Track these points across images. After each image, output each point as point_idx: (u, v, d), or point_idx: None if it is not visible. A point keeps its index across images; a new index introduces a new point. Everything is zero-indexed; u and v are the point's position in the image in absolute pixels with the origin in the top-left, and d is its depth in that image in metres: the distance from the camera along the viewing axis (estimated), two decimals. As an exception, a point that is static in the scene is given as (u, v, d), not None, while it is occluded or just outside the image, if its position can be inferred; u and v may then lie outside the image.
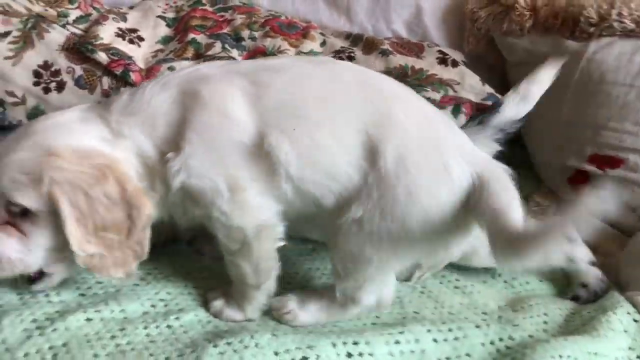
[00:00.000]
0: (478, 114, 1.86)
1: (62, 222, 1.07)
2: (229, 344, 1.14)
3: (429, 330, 1.24)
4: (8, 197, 1.08)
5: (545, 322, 1.38)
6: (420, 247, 1.17)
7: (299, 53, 2.07)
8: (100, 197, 1.07)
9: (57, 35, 2.06)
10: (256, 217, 1.14)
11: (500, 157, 2.08)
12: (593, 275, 1.59)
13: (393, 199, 1.10)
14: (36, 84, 2.03)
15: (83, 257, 1.10)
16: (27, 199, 1.08)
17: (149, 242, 1.15)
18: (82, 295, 1.28)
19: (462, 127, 1.69)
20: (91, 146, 1.11)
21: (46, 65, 2.05)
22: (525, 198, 1.86)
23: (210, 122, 1.11)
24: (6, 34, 2.01)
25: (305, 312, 1.26)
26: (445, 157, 1.14)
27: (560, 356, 1.20)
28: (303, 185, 1.13)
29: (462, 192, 1.13)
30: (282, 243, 1.19)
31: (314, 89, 1.15)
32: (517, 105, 1.71)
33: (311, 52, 2.08)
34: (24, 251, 1.12)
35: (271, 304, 1.26)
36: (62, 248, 1.12)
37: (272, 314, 1.27)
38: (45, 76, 2.04)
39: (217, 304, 1.26)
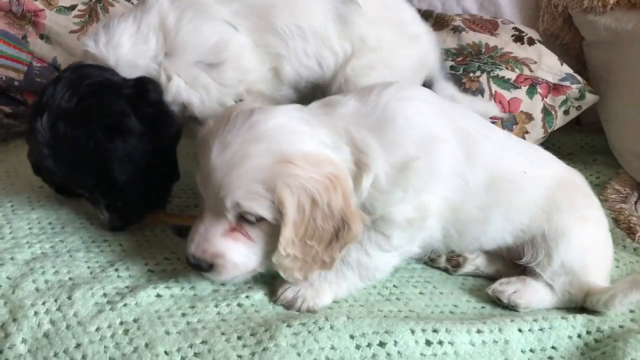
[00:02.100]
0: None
1: (283, 224, 1.07)
2: (303, 324, 1.09)
3: (512, 320, 1.17)
4: (245, 208, 1.08)
5: (631, 311, 1.28)
6: None
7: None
8: (324, 206, 1.07)
9: (122, 9, 2.04)
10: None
11: (579, 144, 2.03)
12: None
13: None
14: (100, 58, 2.03)
15: (279, 256, 1.10)
16: (264, 210, 1.07)
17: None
18: (151, 271, 1.25)
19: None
20: (319, 152, 1.10)
21: (110, 40, 2.04)
22: (604, 185, 1.78)
23: None
24: (72, 7, 2.01)
25: (533, 292, 1.28)
26: None
27: (658, 350, 1.12)
28: None
29: None
30: None
31: None
32: None
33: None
34: (248, 255, 1.13)
35: (494, 288, 1.28)
36: (273, 249, 1.12)
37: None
38: (110, 50, 2.03)
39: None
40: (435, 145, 1.19)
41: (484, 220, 1.29)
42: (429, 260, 1.37)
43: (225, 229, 1.11)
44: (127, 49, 1.32)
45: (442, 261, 1.37)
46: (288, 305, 1.18)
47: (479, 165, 1.24)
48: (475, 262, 1.37)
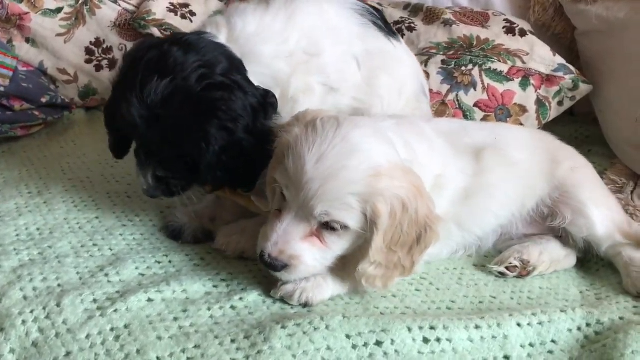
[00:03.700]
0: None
1: (375, 232, 1.11)
2: (298, 325, 1.07)
3: (511, 315, 1.15)
4: (334, 218, 1.11)
5: (635, 307, 1.26)
6: None
7: (356, 25, 1.98)
8: (412, 212, 1.12)
9: (108, 11, 2.02)
10: None
11: (574, 134, 2.01)
12: None
13: None
14: (88, 61, 2.01)
15: (366, 264, 1.14)
16: (352, 220, 1.12)
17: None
18: (142, 275, 1.23)
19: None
20: (403, 162, 1.16)
21: (98, 42, 2.02)
22: (599, 176, 1.76)
23: None
24: (58, 10, 1.98)
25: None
26: None
27: (659, 341, 1.10)
28: None
29: None
30: None
31: None
32: None
33: (369, 24, 1.98)
34: (320, 260, 1.16)
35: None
36: (341, 255, 1.18)
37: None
38: (97, 53, 2.01)
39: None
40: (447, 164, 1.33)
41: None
42: (499, 274, 1.35)
43: (305, 233, 1.14)
44: (269, 51, 1.34)
45: (514, 274, 1.36)
46: (287, 297, 1.17)
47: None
48: (543, 266, 1.38)
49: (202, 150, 1.22)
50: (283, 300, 1.18)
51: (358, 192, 1.09)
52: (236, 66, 1.28)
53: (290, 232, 1.13)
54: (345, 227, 1.12)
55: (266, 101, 1.29)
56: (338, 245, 1.15)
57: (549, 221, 1.41)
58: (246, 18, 1.35)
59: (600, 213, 1.39)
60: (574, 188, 1.40)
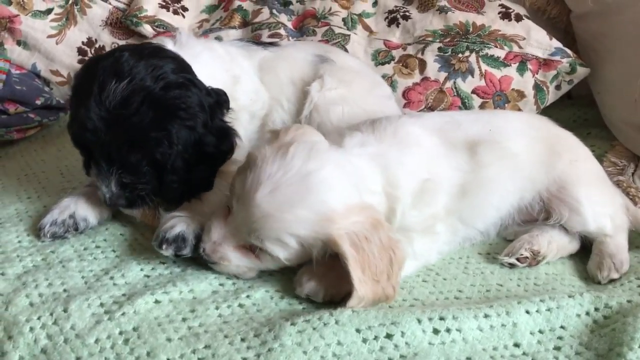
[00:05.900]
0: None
1: (346, 264, 1.11)
2: (307, 321, 1.07)
3: (519, 302, 1.14)
4: (267, 249, 1.14)
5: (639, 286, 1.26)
6: None
7: (350, 15, 1.96)
8: (377, 241, 1.13)
9: (99, 10, 2.00)
10: None
11: (572, 117, 2.01)
12: None
13: None
14: (81, 62, 1.98)
15: (353, 302, 1.12)
16: (284, 254, 1.14)
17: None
18: (147, 276, 1.22)
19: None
20: (361, 200, 1.17)
21: (90, 42, 2.00)
22: (600, 159, 1.76)
23: None
24: (48, 11, 1.96)
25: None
26: None
27: (669, 324, 1.10)
28: None
29: None
30: None
31: None
32: None
33: (363, 13, 1.97)
34: (251, 267, 1.21)
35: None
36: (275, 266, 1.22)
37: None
38: (90, 53, 1.99)
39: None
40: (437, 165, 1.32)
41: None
42: (509, 265, 1.34)
43: (239, 243, 1.18)
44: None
45: (524, 265, 1.35)
46: (313, 295, 1.17)
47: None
48: (551, 255, 1.37)
49: (165, 149, 1.25)
50: (291, 295, 1.17)
51: (299, 235, 1.11)
52: (186, 67, 1.33)
53: (227, 238, 1.18)
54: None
55: (220, 99, 1.35)
56: (269, 263, 1.19)
57: (543, 218, 1.40)
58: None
59: (594, 211, 1.38)
60: (571, 185, 1.39)
